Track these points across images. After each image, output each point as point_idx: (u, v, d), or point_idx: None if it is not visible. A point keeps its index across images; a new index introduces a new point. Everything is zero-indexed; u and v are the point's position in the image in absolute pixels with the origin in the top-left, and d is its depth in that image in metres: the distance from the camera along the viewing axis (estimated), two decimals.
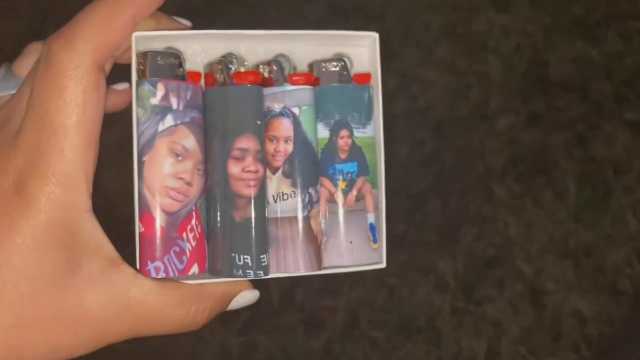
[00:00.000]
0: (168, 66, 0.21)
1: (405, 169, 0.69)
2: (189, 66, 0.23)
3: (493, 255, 0.69)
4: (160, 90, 0.21)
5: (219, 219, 0.21)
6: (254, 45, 0.24)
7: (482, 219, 0.68)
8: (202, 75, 0.23)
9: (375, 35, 0.23)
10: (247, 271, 0.21)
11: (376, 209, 0.23)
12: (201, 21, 0.24)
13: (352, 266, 0.22)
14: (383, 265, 0.23)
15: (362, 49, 0.24)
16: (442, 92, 0.70)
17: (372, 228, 0.23)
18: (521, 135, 0.69)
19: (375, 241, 0.23)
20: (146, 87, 0.21)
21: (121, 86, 0.23)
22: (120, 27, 0.19)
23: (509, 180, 0.68)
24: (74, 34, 0.19)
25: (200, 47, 0.23)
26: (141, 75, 0.21)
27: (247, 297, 0.22)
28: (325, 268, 0.22)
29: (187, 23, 0.24)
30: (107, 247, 0.20)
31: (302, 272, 0.22)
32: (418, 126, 0.71)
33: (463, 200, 0.69)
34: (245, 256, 0.21)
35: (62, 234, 0.19)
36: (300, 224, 0.22)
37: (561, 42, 0.68)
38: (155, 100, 0.21)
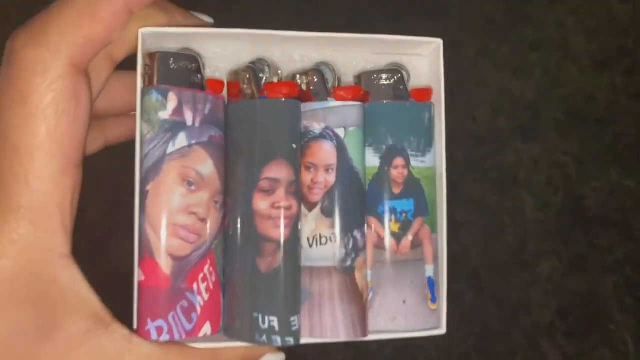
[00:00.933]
0: (183, 71, 0.17)
1: (447, 328, 0.64)
2: (209, 73, 0.19)
3: None
4: (172, 102, 0.16)
5: (239, 267, 0.17)
6: (289, 51, 0.19)
7: None
8: (225, 85, 0.18)
9: (439, 42, 0.19)
10: (273, 337, 0.16)
11: (436, 259, 0.18)
12: (225, 18, 0.20)
13: (404, 332, 0.18)
14: (443, 331, 0.18)
15: (422, 59, 0.20)
16: (475, 234, 0.65)
17: (431, 284, 0.18)
18: (566, 282, 0.63)
19: (434, 300, 0.18)
20: (154, 96, 0.16)
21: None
22: (106, 16, 0.15)
23: (559, 338, 0.62)
24: (44, 25, 0.14)
25: (224, 50, 0.19)
26: (148, 82, 0.17)
27: None
28: (371, 333, 0.17)
29: (208, 20, 0.19)
30: (92, 301, 0.15)
31: (341, 339, 0.17)
32: (453, 276, 0.66)
33: None
34: (271, 317, 0.16)
35: (30, 286, 0.14)
36: (342, 277, 0.17)
37: (594, 171, 0.64)
38: (165, 114, 0.16)
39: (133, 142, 0.17)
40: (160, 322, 0.16)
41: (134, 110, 0.19)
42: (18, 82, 0.14)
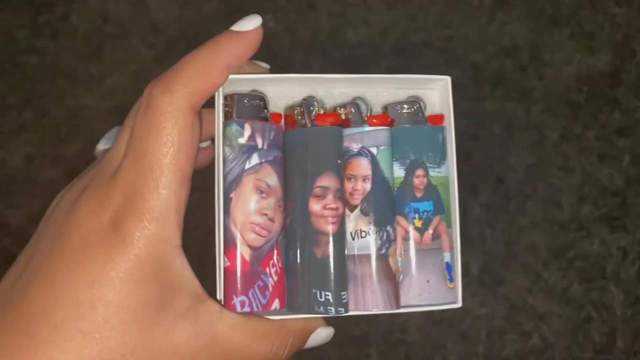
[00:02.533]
0: (254, 107, 0.22)
1: None
2: (269, 108, 0.24)
3: None
4: (248, 130, 0.22)
5: (299, 255, 0.22)
6: (330, 89, 0.25)
7: None
8: (283, 117, 0.24)
9: (447, 79, 0.24)
10: (328, 308, 0.21)
11: (451, 248, 0.23)
12: (273, 64, 0.26)
13: (428, 305, 0.22)
14: (459, 304, 0.23)
15: (434, 92, 0.25)
16: (558, 327, 0.61)
17: (449, 267, 0.23)
18: None
19: (451, 280, 0.23)
20: (234, 127, 0.22)
21: (204, 144, 0.24)
22: (215, 73, 0.20)
23: None
24: (173, 79, 0.20)
25: (280, 90, 0.24)
26: (229, 117, 0.22)
27: (324, 334, 0.22)
28: (402, 307, 0.22)
29: (266, 66, 0.25)
30: (195, 283, 0.20)
31: (380, 310, 0.22)
32: None
33: None
34: (326, 293, 0.21)
35: (154, 269, 0.19)
36: (379, 262, 0.22)
37: None
38: (242, 140, 0.22)
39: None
40: (242, 298, 0.21)
41: (206, 138, 0.24)
42: (154, 119, 0.19)
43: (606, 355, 0.60)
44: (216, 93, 0.22)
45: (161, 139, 0.19)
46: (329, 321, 0.23)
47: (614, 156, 0.61)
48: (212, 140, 0.25)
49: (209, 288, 0.21)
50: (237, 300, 0.21)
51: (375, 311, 0.22)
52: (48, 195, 0.22)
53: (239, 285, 0.21)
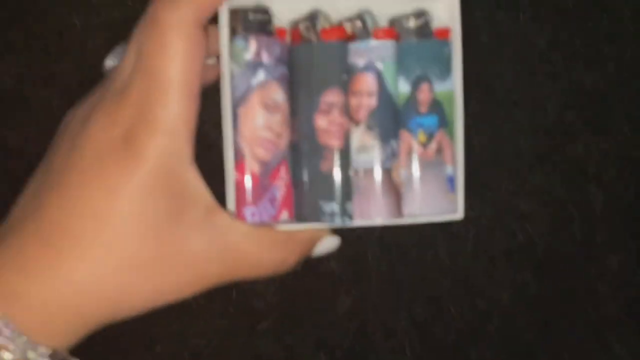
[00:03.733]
0: (259, 22, 0.22)
1: (510, 317, 0.62)
2: (274, 22, 0.24)
3: None
4: (253, 46, 0.22)
5: (306, 168, 0.23)
6: (335, 2, 0.24)
7: None
8: (288, 32, 0.24)
9: None
10: (334, 218, 0.22)
11: (454, 161, 0.24)
12: None
13: (430, 215, 0.23)
14: (461, 215, 0.24)
15: (440, 5, 0.25)
16: (541, 227, 0.64)
17: (450, 179, 0.24)
18: (635, 277, 0.60)
19: (452, 192, 0.24)
20: (240, 42, 0.22)
21: (210, 61, 0.24)
22: None
23: (626, 333, 0.59)
24: None
25: (284, 4, 0.24)
26: (234, 32, 0.22)
27: (330, 242, 0.24)
28: (405, 216, 0.23)
29: None
30: (207, 195, 0.21)
31: (383, 220, 0.23)
32: (519, 267, 0.63)
33: (577, 357, 0.62)
34: (332, 203, 0.22)
35: (167, 182, 0.20)
36: (383, 175, 0.23)
37: None
38: (248, 56, 0.22)
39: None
40: (252, 209, 0.22)
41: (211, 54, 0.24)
42: (161, 34, 0.19)
43: (586, 250, 0.63)
44: (220, 7, 0.22)
45: (168, 53, 0.19)
46: (334, 230, 0.24)
47: (600, 62, 0.61)
48: (218, 57, 0.25)
49: (221, 201, 0.23)
50: (247, 211, 0.22)
51: (378, 221, 0.23)
52: (43, 114, 0.23)
53: (248, 197, 0.22)
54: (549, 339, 0.64)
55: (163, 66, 0.19)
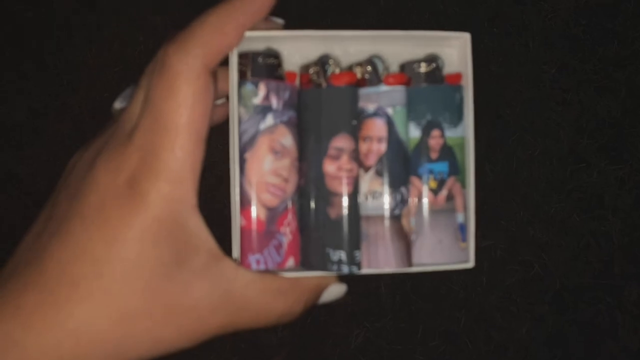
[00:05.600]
0: (268, 66, 0.22)
1: (526, 351, 0.60)
2: (284, 66, 0.24)
3: None
4: (262, 90, 0.22)
5: (313, 215, 0.22)
6: (346, 46, 0.24)
7: None
8: (298, 76, 0.23)
9: (466, 36, 0.23)
10: (342, 266, 0.22)
11: (465, 208, 0.23)
12: (288, 21, 0.25)
13: (441, 264, 0.23)
14: (472, 264, 0.23)
15: (452, 50, 0.24)
16: (558, 256, 0.62)
17: (462, 228, 0.23)
18: None
19: (464, 240, 0.23)
20: (249, 87, 0.21)
21: (219, 101, 0.24)
22: (230, 33, 0.20)
23: None
24: (187, 38, 0.20)
25: (295, 48, 0.24)
26: (243, 76, 0.22)
27: (337, 290, 0.23)
28: (414, 265, 0.23)
29: (280, 21, 0.24)
30: (211, 241, 0.21)
31: (393, 269, 0.22)
32: (536, 298, 0.62)
33: None
34: (339, 252, 0.22)
35: (170, 229, 0.20)
36: (392, 222, 0.22)
37: None
38: (257, 100, 0.21)
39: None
40: (257, 256, 0.21)
41: (222, 96, 0.24)
42: (169, 80, 0.19)
43: (604, 281, 0.61)
44: (231, 52, 0.22)
45: (177, 99, 0.19)
46: (341, 276, 0.23)
47: (611, 88, 0.60)
48: (227, 97, 0.25)
49: (227, 246, 0.22)
50: (252, 259, 0.21)
51: (387, 270, 0.22)
52: (54, 147, 0.23)
53: (254, 244, 0.21)
54: None
55: (170, 112, 0.19)
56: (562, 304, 0.64)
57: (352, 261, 0.22)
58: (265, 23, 0.23)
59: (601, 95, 0.62)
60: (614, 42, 0.61)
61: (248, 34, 0.22)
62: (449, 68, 0.24)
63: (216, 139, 0.25)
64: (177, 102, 0.19)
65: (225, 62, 0.22)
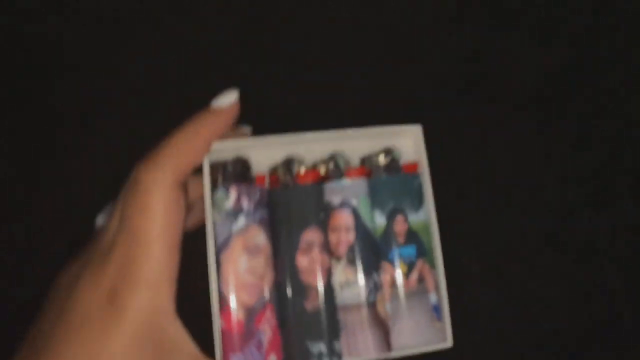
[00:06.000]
0: (238, 173, 0.24)
1: None
2: (253, 169, 0.25)
3: None
4: (233, 195, 0.23)
5: (290, 309, 0.23)
6: (309, 146, 0.26)
7: None
8: (267, 177, 0.25)
9: (418, 127, 0.25)
10: (323, 358, 0.22)
11: (437, 288, 0.24)
12: (255, 125, 0.27)
13: (420, 346, 0.23)
14: (449, 344, 0.23)
15: (407, 140, 0.26)
16: (562, 309, 0.62)
17: (436, 308, 0.24)
18: None
19: (439, 319, 0.24)
20: (220, 193, 0.23)
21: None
22: (197, 149, 0.22)
23: None
24: (158, 156, 0.21)
25: (263, 152, 0.26)
26: (214, 184, 0.23)
27: None
28: (394, 350, 0.23)
29: (247, 129, 0.26)
30: (190, 346, 0.21)
31: (373, 356, 0.23)
32: (544, 350, 0.61)
33: None
34: (319, 344, 0.22)
35: (151, 337, 0.20)
36: (368, 310, 0.23)
37: None
38: (229, 204, 0.23)
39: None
40: (239, 356, 0.22)
41: (197, 200, 0.25)
42: (141, 195, 0.21)
43: (613, 330, 0.61)
44: (203, 163, 0.23)
45: (149, 215, 0.20)
46: None
47: (592, 140, 0.63)
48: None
49: (211, 345, 0.22)
50: (233, 359, 0.22)
51: (368, 357, 0.23)
52: (50, 267, 0.23)
53: (234, 345, 0.22)
54: None
55: (144, 226, 0.20)
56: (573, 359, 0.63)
57: (332, 352, 0.22)
58: (233, 132, 0.26)
59: (582, 148, 0.63)
60: (593, 93, 0.63)
61: (217, 145, 0.24)
62: (405, 158, 0.26)
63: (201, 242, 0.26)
64: (149, 218, 0.20)
65: (199, 171, 0.24)
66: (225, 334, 0.22)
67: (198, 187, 0.25)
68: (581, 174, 0.63)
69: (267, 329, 0.23)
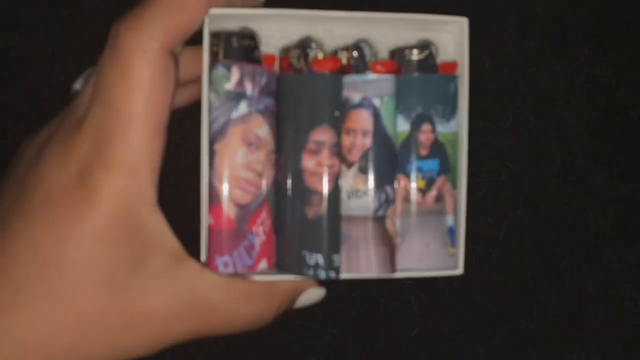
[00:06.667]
0: (243, 48, 0.20)
1: (507, 254, 0.64)
2: (262, 48, 0.21)
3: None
4: (235, 75, 0.19)
5: (289, 214, 0.20)
6: (331, 28, 0.22)
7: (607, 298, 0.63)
8: (277, 60, 0.21)
9: (464, 21, 0.21)
10: (319, 271, 0.20)
11: (456, 211, 0.21)
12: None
13: (427, 270, 0.21)
14: (460, 271, 0.21)
15: (448, 35, 0.22)
16: (523, 160, 0.65)
17: (451, 231, 0.21)
18: (620, 191, 0.62)
19: (453, 245, 0.21)
20: (220, 71, 0.19)
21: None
22: (192, 8, 0.18)
23: (620, 246, 0.61)
24: (142, 15, 0.17)
25: (275, 28, 0.22)
26: (214, 58, 0.20)
27: (314, 295, 0.21)
28: (398, 271, 0.21)
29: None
30: (173, 242, 0.19)
31: (374, 275, 0.20)
32: (507, 204, 0.64)
33: (580, 280, 0.64)
34: (316, 255, 0.20)
35: (125, 228, 0.18)
36: (375, 224, 0.20)
37: (635, 76, 0.60)
38: (229, 86, 0.19)
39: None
40: (226, 258, 0.20)
41: (194, 79, 0.22)
42: (121, 62, 0.17)
43: (570, 176, 0.64)
44: (203, 30, 0.20)
45: (130, 84, 0.17)
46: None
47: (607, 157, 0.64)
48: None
49: (195, 248, 0.20)
50: (220, 261, 0.19)
51: (369, 275, 0.20)
52: None
53: (222, 245, 0.19)
54: (548, 266, 0.64)
55: (123, 99, 0.17)
56: (533, 206, 0.66)
57: (330, 266, 0.20)
58: (243, 0, 0.21)
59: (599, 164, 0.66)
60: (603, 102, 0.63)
61: (222, 11, 0.19)
62: (443, 56, 0.22)
63: (194, 124, 0.23)
64: (130, 88, 0.17)
65: (194, 41, 0.20)
66: (213, 232, 0.20)
67: (192, 62, 0.21)
68: (541, 24, 0.62)
69: (260, 231, 0.20)
